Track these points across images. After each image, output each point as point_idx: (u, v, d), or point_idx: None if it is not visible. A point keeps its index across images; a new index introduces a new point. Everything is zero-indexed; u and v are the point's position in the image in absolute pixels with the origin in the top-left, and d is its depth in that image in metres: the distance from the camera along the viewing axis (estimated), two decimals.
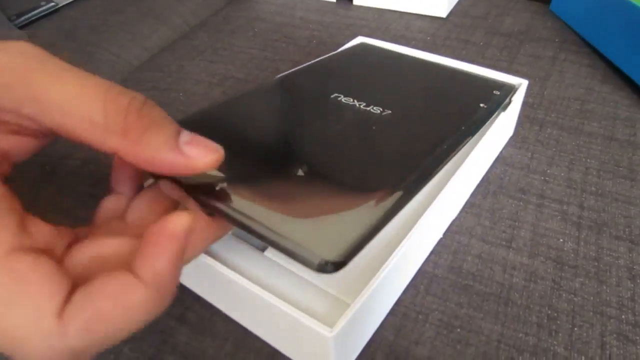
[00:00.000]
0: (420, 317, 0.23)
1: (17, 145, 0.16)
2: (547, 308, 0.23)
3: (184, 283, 0.25)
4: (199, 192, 0.18)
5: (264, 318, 0.21)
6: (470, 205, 0.28)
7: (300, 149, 0.22)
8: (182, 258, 0.15)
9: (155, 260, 0.14)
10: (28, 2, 0.57)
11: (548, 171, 0.31)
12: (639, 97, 0.37)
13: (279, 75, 0.30)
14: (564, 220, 0.27)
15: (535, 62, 0.41)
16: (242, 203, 0.18)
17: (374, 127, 0.24)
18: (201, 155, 0.16)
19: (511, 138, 0.33)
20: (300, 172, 0.20)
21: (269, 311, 0.20)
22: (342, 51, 0.34)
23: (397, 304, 0.23)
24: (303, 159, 0.21)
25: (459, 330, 0.22)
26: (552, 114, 0.35)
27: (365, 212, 0.18)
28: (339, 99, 0.26)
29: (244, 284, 0.20)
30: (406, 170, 0.21)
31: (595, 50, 0.42)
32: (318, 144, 0.22)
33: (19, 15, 0.53)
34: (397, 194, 0.19)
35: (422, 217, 0.22)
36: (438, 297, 0.24)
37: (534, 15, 0.48)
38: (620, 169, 0.31)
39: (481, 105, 0.27)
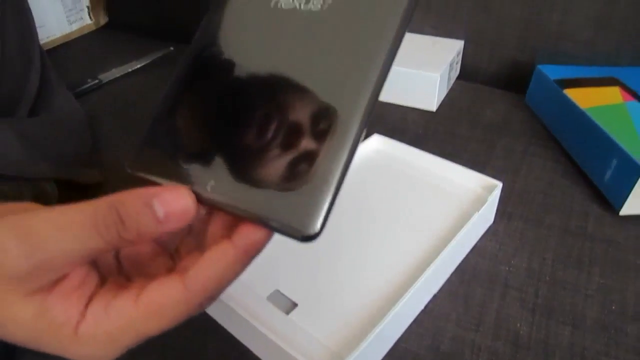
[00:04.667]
0: None
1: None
2: None
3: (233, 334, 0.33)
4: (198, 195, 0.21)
5: None
6: (448, 294, 0.36)
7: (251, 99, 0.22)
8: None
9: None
10: (76, 79, 0.65)
11: (512, 262, 0.38)
12: (591, 191, 0.45)
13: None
14: (522, 307, 0.35)
15: (509, 155, 0.49)
16: (227, 194, 0.20)
17: (313, 39, 0.21)
18: (179, 218, 0.20)
19: (486, 230, 0.41)
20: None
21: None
22: None
23: None
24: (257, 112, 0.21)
25: None
26: (519, 207, 0.43)
27: (330, 167, 0.18)
28: (279, 4, 0.23)
29: (273, 339, 0.29)
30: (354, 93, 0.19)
31: (559, 144, 0.50)
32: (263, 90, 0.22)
33: (68, 89, 0.61)
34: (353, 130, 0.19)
35: (406, 294, 0.30)
36: None
37: (510, 108, 0.57)
38: (570, 259, 0.38)
39: None
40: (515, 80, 0.62)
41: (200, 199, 0.21)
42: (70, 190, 0.48)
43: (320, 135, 0.19)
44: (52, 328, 0.19)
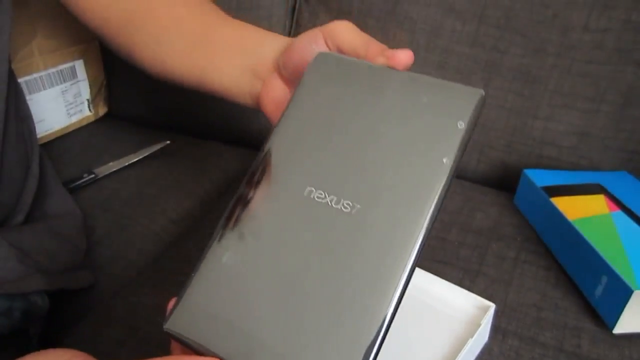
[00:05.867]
0: None
1: None
2: None
3: None
4: None
5: None
6: None
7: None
8: None
9: None
10: (72, 172, 0.66)
11: None
12: (583, 302, 0.45)
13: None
14: None
15: (501, 264, 0.50)
16: None
17: (342, 239, 0.23)
18: None
19: (481, 350, 0.41)
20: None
21: None
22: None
23: None
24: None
25: None
26: (513, 323, 0.43)
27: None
28: (312, 195, 0.24)
29: None
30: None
31: (548, 250, 0.51)
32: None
33: (63, 185, 0.61)
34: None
35: None
36: None
37: (500, 210, 0.58)
38: None
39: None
40: (504, 180, 0.64)
41: None
42: (61, 294, 0.47)
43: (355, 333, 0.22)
44: None
